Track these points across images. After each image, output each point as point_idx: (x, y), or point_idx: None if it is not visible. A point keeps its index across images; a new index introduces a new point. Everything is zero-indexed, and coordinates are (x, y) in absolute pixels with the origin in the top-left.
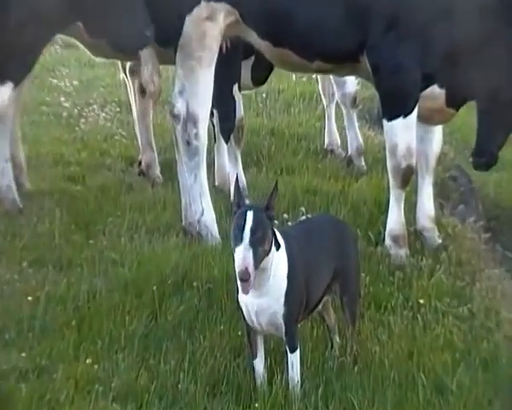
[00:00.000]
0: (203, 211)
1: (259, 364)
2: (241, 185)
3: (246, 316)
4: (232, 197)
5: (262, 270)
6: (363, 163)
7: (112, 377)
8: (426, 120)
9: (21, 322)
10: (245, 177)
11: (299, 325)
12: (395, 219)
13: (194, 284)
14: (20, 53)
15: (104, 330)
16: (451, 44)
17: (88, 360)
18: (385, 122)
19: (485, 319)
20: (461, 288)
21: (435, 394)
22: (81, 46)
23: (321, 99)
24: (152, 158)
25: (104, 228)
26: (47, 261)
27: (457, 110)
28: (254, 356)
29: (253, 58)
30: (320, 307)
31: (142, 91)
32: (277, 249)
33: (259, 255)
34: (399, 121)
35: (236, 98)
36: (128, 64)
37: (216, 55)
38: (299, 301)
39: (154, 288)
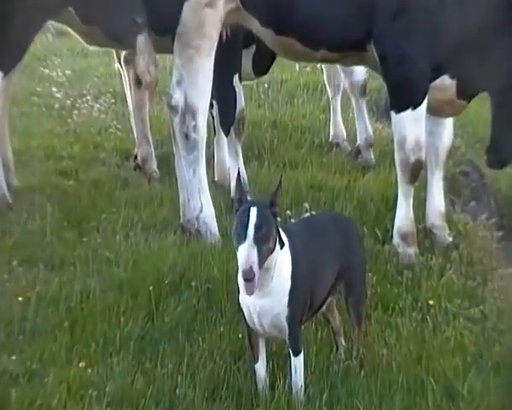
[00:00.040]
0: (202, 207)
1: (261, 368)
2: (242, 180)
3: (247, 318)
4: (233, 193)
5: (265, 269)
6: (372, 156)
7: (106, 381)
8: (436, 112)
9: (11, 324)
10: (246, 171)
11: (302, 327)
12: (403, 215)
13: (193, 283)
14: (10, 41)
15: (98, 333)
16: (462, 32)
17: (81, 364)
18: (393, 114)
19: (498, 320)
20: (472, 288)
21: (445, 399)
22: (74, 34)
23: (326, 90)
24: (148, 152)
25: (98, 225)
26: (38, 260)
27: (469, 102)
28: (256, 360)
29: (254, 47)
30: (324, 308)
31: (138, 82)
32: (281, 248)
33: (264, 254)
34: (408, 113)
35: (237, 89)
36: (123, 53)
37: (215, 44)
38: (303, 301)
39: (151, 288)
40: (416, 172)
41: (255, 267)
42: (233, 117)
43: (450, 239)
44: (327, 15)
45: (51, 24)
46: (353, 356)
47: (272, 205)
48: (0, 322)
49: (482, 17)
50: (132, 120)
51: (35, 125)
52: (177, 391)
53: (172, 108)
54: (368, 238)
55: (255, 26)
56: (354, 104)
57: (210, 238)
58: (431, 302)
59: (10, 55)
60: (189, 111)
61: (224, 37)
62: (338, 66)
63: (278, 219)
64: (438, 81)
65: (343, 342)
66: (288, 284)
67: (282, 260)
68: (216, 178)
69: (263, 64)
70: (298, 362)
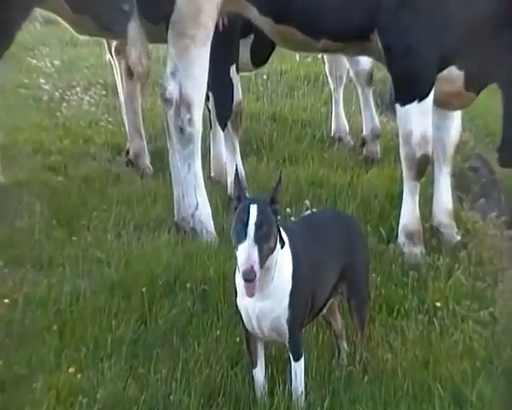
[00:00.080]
0: (197, 205)
1: (260, 373)
2: (239, 177)
3: (245, 321)
4: (230, 190)
5: (266, 269)
6: (378, 148)
7: (97, 387)
8: (443, 104)
9: None
10: (244, 167)
11: (303, 331)
12: (409, 213)
13: (188, 285)
14: None
15: (88, 336)
16: (470, 21)
17: (71, 369)
18: (398, 107)
19: (508, 323)
20: (481, 290)
21: (453, 406)
22: (63, 23)
23: (327, 81)
24: (141, 146)
25: (88, 223)
26: (26, 260)
27: (478, 94)
28: (254, 365)
29: (252, 36)
30: (325, 310)
31: (130, 73)
32: (282, 247)
33: (265, 253)
34: (414, 106)
35: (234, 80)
36: (114, 43)
37: (212, 33)
38: (304, 303)
39: (144, 289)
40: (423, 168)
41: (256, 267)
42: (230, 110)
43: (459, 238)
44: (328, 3)
45: (39, 12)
46: (356, 361)
47: (273, 202)
48: None
49: (491, 5)
50: (124, 113)
51: (22, 119)
52: (171, 398)
53: (166, 101)
54: (372, 237)
55: (253, 14)
56: (360, 93)
57: (206, 237)
58: (438, 304)
59: None
60: (183, 103)
61: (221, 26)
62: (341, 55)
63: (278, 217)
64: (445, 72)
65: (345, 346)
66: (288, 285)
67: (283, 259)
68: (212, 174)
69: (261, 54)
70: (298, 367)
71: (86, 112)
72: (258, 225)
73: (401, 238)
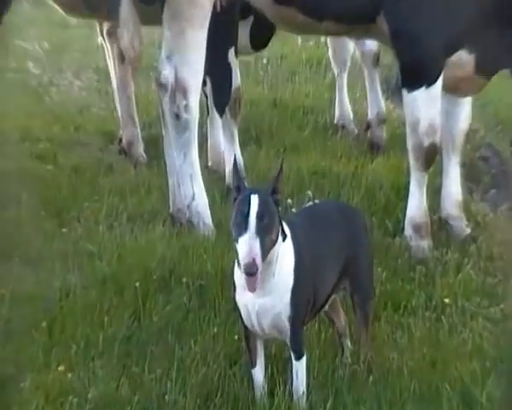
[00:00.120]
0: (194, 195)
1: (259, 373)
2: (238, 166)
3: (244, 318)
4: (228, 180)
5: (267, 263)
6: (383, 134)
7: (88, 387)
8: (452, 91)
9: None
10: (242, 156)
11: (304, 328)
12: (416, 205)
13: (184, 279)
14: None
15: (79, 333)
16: (481, 3)
17: (60, 368)
18: (405, 93)
19: None
20: (492, 285)
21: (462, 407)
22: (52, 3)
23: (331, 66)
24: (134, 134)
25: (79, 215)
26: (12, 254)
27: (489, 80)
28: (253, 364)
29: (252, 18)
30: (327, 307)
31: (122, 57)
32: (283, 240)
33: (267, 245)
34: (421, 93)
35: (233, 65)
36: (106, 25)
37: (209, 15)
38: (306, 299)
39: (137, 284)
40: (431, 158)
41: (258, 260)
42: (228, 96)
43: (468, 231)
44: None
45: None
46: (360, 360)
47: (274, 192)
48: None
49: None
50: (117, 99)
51: (9, 104)
52: (166, 398)
53: (161, 86)
54: (377, 230)
55: None
56: (366, 75)
57: (203, 230)
58: (446, 301)
59: None
60: (179, 89)
61: (219, 7)
62: (345, 38)
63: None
64: (454, 57)
65: (349, 344)
66: (290, 280)
67: (284, 253)
68: (209, 164)
69: (261, 37)
70: (300, 367)
71: (77, 97)
72: (259, 217)
73: (408, 231)
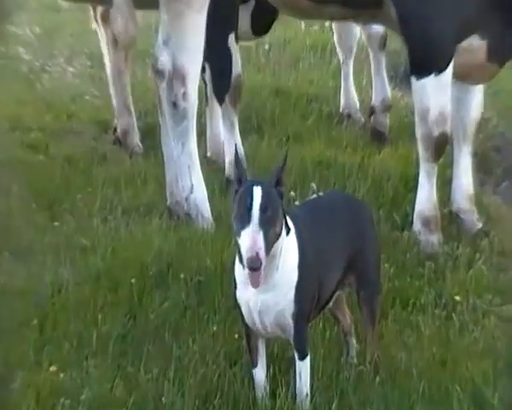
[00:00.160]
0: (192, 187)
1: (260, 373)
2: (239, 157)
3: (245, 315)
4: (227, 171)
5: (270, 258)
6: (387, 121)
7: (81, 387)
8: (463, 78)
9: None
10: (243, 146)
11: (309, 327)
12: (426, 198)
13: (182, 275)
14: None
15: (72, 331)
16: None
17: (52, 367)
18: (413, 81)
19: None
20: (505, 282)
21: (473, 409)
22: None
23: (336, 52)
24: (130, 123)
25: (72, 207)
26: (2, 248)
27: (501, 66)
28: (254, 364)
29: (253, 2)
30: (331, 304)
31: (116, 42)
32: (287, 234)
33: (271, 239)
34: (431, 80)
35: (233, 50)
36: (100, 9)
37: None
38: (311, 295)
39: (133, 280)
40: (441, 148)
41: (262, 254)
42: (228, 83)
43: (480, 225)
44: None
45: None
46: (367, 360)
47: (278, 184)
48: None
49: None
50: (111, 86)
51: None
52: (163, 399)
53: (158, 73)
54: (384, 223)
55: None
56: (371, 59)
57: (201, 223)
58: (457, 298)
59: None
60: (177, 76)
61: None
62: (351, 23)
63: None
64: (465, 43)
65: (355, 343)
66: (294, 276)
67: (288, 247)
68: (208, 154)
69: (263, 22)
70: (303, 367)
71: (69, 84)
72: (262, 209)
73: (417, 225)
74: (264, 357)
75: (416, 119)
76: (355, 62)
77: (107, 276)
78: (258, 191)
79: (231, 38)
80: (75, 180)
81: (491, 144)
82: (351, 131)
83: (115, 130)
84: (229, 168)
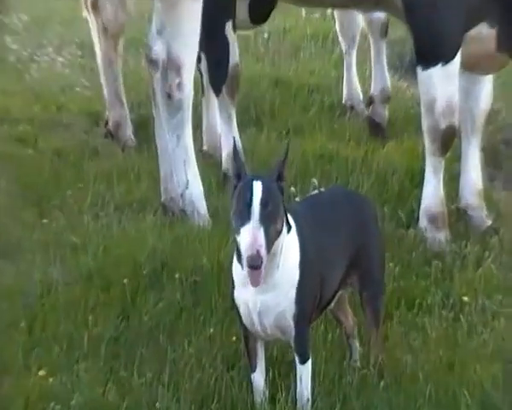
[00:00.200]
0: (188, 183)
1: (259, 377)
2: (237, 151)
3: (244, 317)
4: (225, 166)
5: (271, 256)
6: (386, 113)
7: (72, 392)
8: (471, 68)
9: None
10: (241, 139)
11: (310, 328)
12: (432, 193)
13: (177, 275)
14: None
15: (62, 333)
16: None
17: (41, 371)
18: (420, 71)
19: None
20: None
21: None
22: None
23: (338, 41)
24: (122, 115)
25: (62, 204)
26: None
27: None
28: (253, 367)
29: None
30: (333, 304)
31: (107, 31)
32: (288, 231)
33: (272, 236)
34: (438, 70)
35: (230, 39)
36: None
37: None
38: (313, 296)
39: (126, 280)
40: (448, 141)
41: (263, 252)
42: (225, 73)
43: (489, 222)
44: None
45: None
46: (370, 363)
47: (279, 179)
48: None
49: None
50: (102, 77)
51: None
52: (157, 405)
53: (152, 63)
54: (389, 220)
55: None
56: (372, 46)
57: (197, 220)
58: (465, 299)
59: None
60: (172, 66)
61: None
62: (353, 11)
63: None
64: (474, 31)
65: (358, 346)
66: (295, 275)
67: (289, 245)
68: (205, 148)
69: (262, 10)
70: (304, 370)
71: (59, 75)
72: (263, 204)
73: (423, 222)
74: (263, 360)
75: (423, 110)
76: (358, 52)
77: (99, 275)
78: (258, 186)
79: (228, 26)
80: (65, 175)
81: (501, 137)
82: (354, 124)
83: (107, 122)
84: (226, 163)
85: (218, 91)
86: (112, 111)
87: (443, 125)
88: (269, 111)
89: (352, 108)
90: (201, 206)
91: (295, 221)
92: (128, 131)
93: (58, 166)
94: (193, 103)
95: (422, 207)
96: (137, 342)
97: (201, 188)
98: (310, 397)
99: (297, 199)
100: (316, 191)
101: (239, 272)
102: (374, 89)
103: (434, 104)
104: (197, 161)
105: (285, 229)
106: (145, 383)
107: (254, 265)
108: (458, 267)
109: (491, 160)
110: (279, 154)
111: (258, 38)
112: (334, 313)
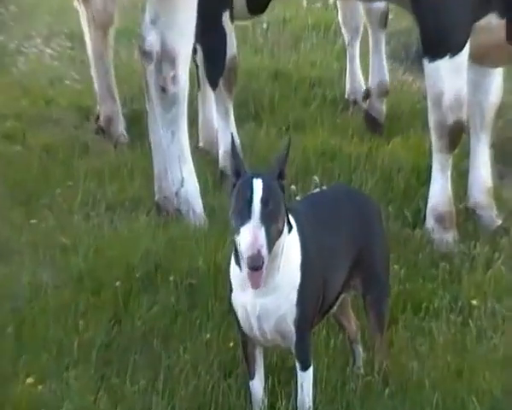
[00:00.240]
0: (183, 180)
1: (258, 385)
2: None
3: (242, 321)
4: (222, 163)
5: (272, 257)
6: (384, 108)
7: (62, 400)
8: (480, 60)
9: None
10: (239, 135)
11: (312, 334)
12: (439, 192)
13: (171, 277)
14: None
15: (51, 339)
16: None
17: (30, 379)
18: (426, 63)
19: None
20: None
21: None
22: None
23: (341, 32)
24: (114, 110)
25: (51, 203)
26: None
27: None
28: (251, 375)
29: None
30: (335, 308)
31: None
32: (289, 231)
33: (273, 235)
34: (445, 62)
35: (227, 30)
36: None
37: None
38: (315, 299)
39: (118, 283)
40: (456, 137)
41: (264, 252)
42: (222, 66)
43: (499, 222)
44: None
45: None
46: (375, 370)
47: (280, 176)
48: None
49: None
50: (93, 69)
51: None
52: None
53: (145, 54)
54: (394, 220)
55: None
56: (371, 37)
57: (193, 220)
58: (474, 302)
59: None
60: (166, 57)
61: None
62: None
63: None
64: (483, 21)
65: (361, 352)
66: (297, 277)
67: (290, 246)
68: (201, 144)
69: None
70: (306, 378)
71: (48, 67)
72: (264, 203)
73: (430, 222)
74: (262, 367)
75: (429, 105)
76: (362, 43)
77: (90, 278)
78: (258, 184)
79: (225, 16)
80: (54, 173)
81: None
82: (357, 119)
83: (98, 117)
84: (223, 159)
85: (214, 85)
86: (103, 105)
87: (450, 120)
88: (268, 105)
89: (355, 102)
90: (197, 205)
91: (296, 221)
92: (120, 127)
93: (47, 163)
94: (188, 97)
95: (429, 206)
96: (130, 348)
97: (197, 186)
98: (311, 405)
99: (298, 198)
100: (317, 190)
101: (237, 273)
102: (371, 82)
103: (442, 98)
104: (193, 158)
105: (286, 229)
106: (138, 390)
107: (255, 265)
108: (467, 269)
109: (501, 156)
110: (279, 150)
111: (256, 29)
112: (336, 318)
